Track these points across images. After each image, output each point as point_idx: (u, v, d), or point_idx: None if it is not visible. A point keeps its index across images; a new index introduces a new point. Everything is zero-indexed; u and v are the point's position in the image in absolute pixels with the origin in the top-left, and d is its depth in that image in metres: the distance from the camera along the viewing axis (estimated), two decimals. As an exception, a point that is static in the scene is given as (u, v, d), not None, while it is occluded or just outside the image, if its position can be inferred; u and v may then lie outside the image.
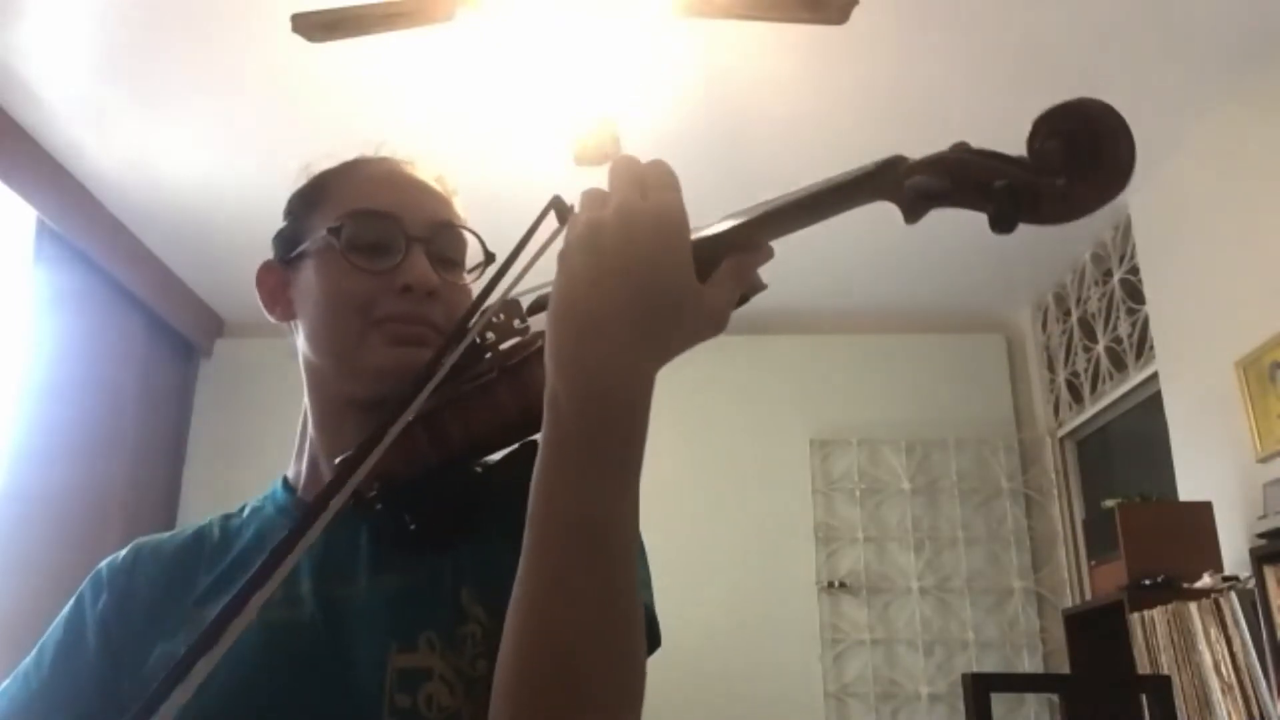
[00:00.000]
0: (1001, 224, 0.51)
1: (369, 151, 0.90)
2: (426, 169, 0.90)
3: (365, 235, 0.82)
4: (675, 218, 0.57)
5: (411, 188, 0.86)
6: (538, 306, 0.71)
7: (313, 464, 0.86)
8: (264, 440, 3.70)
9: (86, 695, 0.79)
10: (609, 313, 0.55)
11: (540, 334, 0.70)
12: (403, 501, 0.73)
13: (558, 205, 0.70)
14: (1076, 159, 0.51)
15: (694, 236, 0.58)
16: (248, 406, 4.43)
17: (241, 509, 0.90)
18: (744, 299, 0.62)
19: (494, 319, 0.71)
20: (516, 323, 0.72)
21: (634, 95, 3.05)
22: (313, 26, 2.42)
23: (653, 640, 0.73)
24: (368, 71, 3.01)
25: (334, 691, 0.73)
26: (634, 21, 2.48)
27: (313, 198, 0.87)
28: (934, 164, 0.54)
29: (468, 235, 0.87)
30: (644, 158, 0.62)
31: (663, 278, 0.56)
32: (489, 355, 0.73)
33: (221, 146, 3.45)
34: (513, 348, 0.72)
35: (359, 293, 0.81)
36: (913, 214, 0.53)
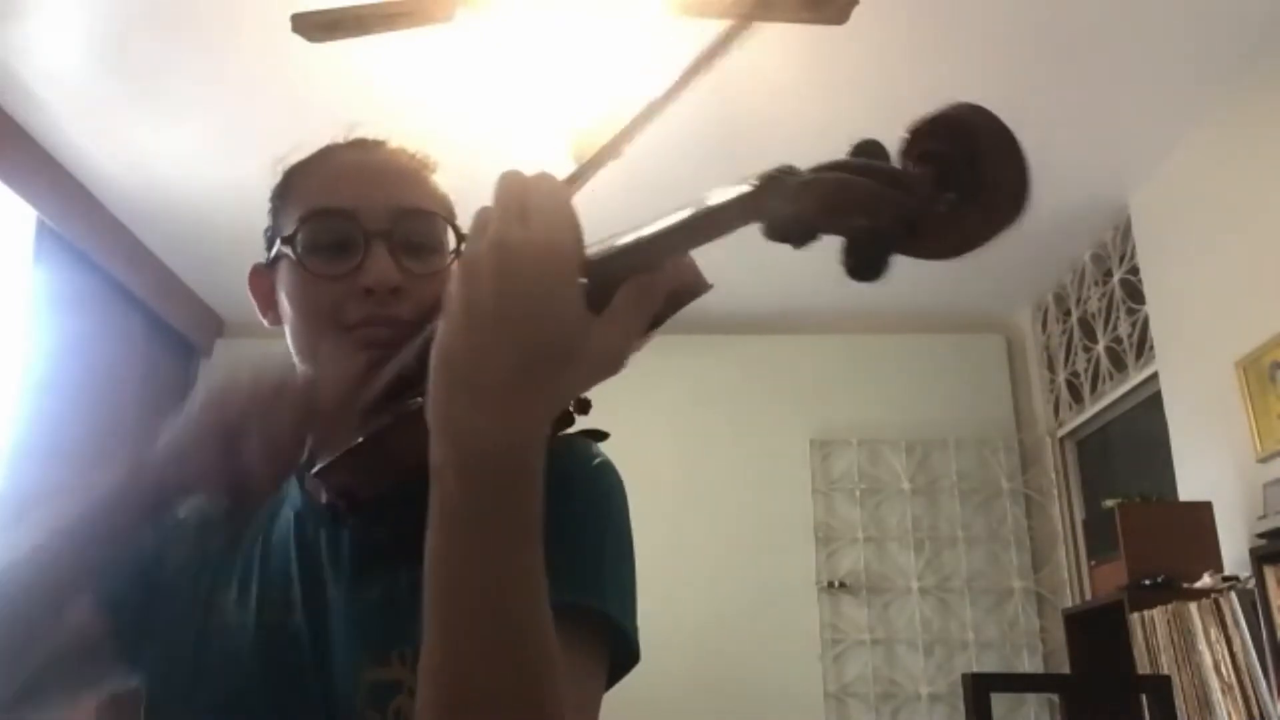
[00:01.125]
0: (857, 273, 0.43)
1: (340, 136, 0.86)
2: (398, 148, 0.86)
3: (322, 237, 0.79)
4: (558, 248, 0.50)
5: (370, 177, 0.82)
6: None
7: (312, 460, 0.86)
8: (264, 440, 3.71)
9: (139, 566, 0.83)
10: (485, 364, 0.49)
11: None
12: (374, 513, 0.73)
13: None
14: (954, 186, 0.42)
15: (586, 253, 0.52)
16: (248, 406, 4.43)
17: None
18: (680, 304, 0.55)
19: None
20: None
21: (634, 95, 3.05)
22: (313, 26, 2.42)
23: (631, 657, 0.72)
24: (367, 72, 3.01)
25: (313, 701, 0.73)
26: (634, 21, 2.48)
27: (283, 196, 0.85)
28: (809, 189, 0.45)
29: (445, 214, 0.83)
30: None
31: (544, 320, 0.49)
32: None
33: (222, 146, 3.45)
34: None
35: (324, 301, 0.78)
36: (793, 245, 0.45)
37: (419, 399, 0.66)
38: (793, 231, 0.44)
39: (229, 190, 3.64)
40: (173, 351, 4.49)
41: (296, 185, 0.84)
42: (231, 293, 4.45)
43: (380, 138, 0.86)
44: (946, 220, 0.43)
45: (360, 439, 0.69)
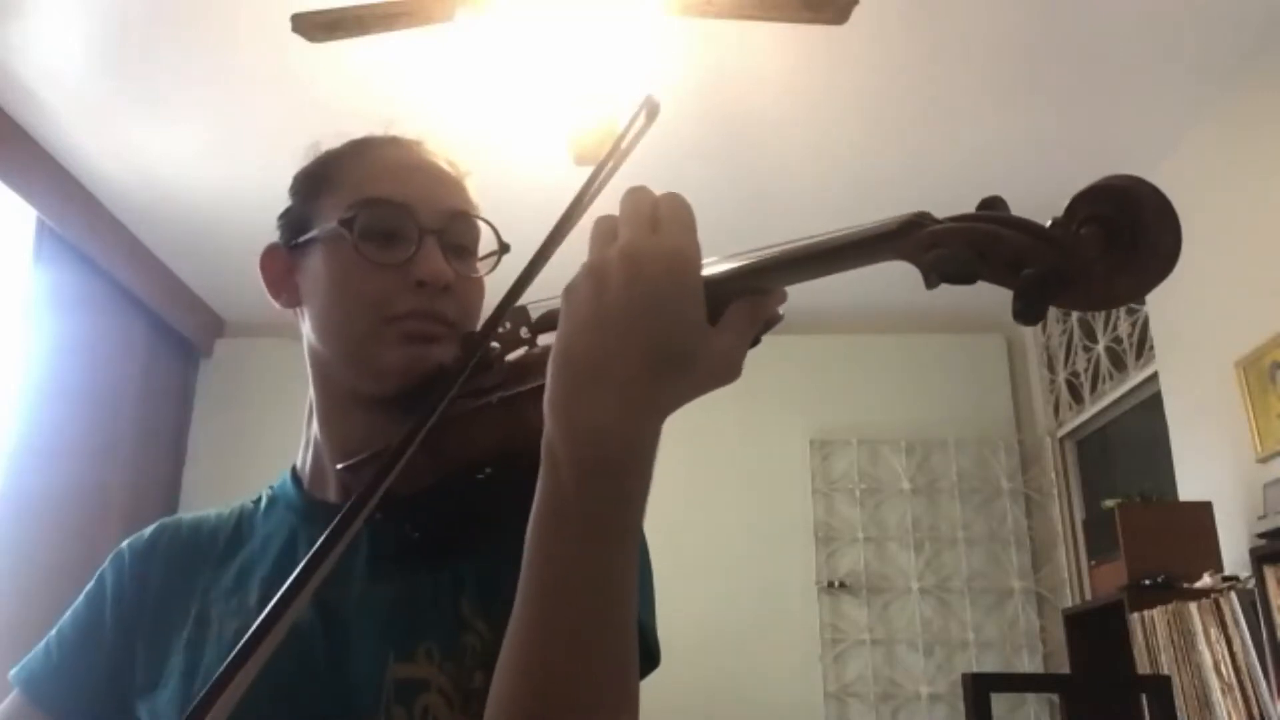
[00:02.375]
0: (1026, 317, 0.46)
1: (378, 131, 0.87)
2: (437, 151, 0.86)
3: (377, 226, 0.79)
4: (688, 259, 0.53)
5: (424, 174, 0.82)
6: (545, 323, 0.69)
7: (317, 457, 0.85)
8: (264, 440, 3.71)
9: (98, 675, 0.81)
10: (612, 364, 0.52)
11: (543, 358, 0.70)
12: (404, 511, 0.72)
13: (650, 105, 0.68)
14: (1114, 248, 0.46)
15: (704, 272, 0.54)
16: (248, 406, 4.44)
17: (259, 500, 0.89)
18: (767, 329, 0.58)
19: (500, 328, 0.69)
20: (523, 331, 0.70)
21: (634, 95, 3.05)
22: (313, 26, 2.42)
23: (652, 659, 0.72)
24: (367, 71, 3.01)
25: (332, 700, 0.72)
26: (634, 21, 2.48)
27: (320, 180, 0.84)
28: (961, 235, 0.48)
29: (481, 223, 0.84)
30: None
31: (672, 325, 0.52)
32: (493, 367, 0.70)
33: (222, 146, 3.45)
34: (515, 370, 0.70)
35: (372, 289, 0.78)
36: (931, 284, 0.49)
37: (458, 401, 0.67)
38: (956, 274, 0.47)
39: (229, 190, 3.64)
40: (173, 352, 4.49)
41: (340, 172, 0.83)
42: (231, 293, 4.45)
43: (417, 138, 0.86)
44: (1099, 277, 0.47)
45: (394, 442, 0.70)
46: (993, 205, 0.50)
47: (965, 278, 0.47)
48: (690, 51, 2.95)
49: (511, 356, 0.72)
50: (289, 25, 2.41)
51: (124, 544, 0.87)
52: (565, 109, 2.79)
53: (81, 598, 0.85)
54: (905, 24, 2.87)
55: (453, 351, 0.76)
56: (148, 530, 0.88)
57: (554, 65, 2.70)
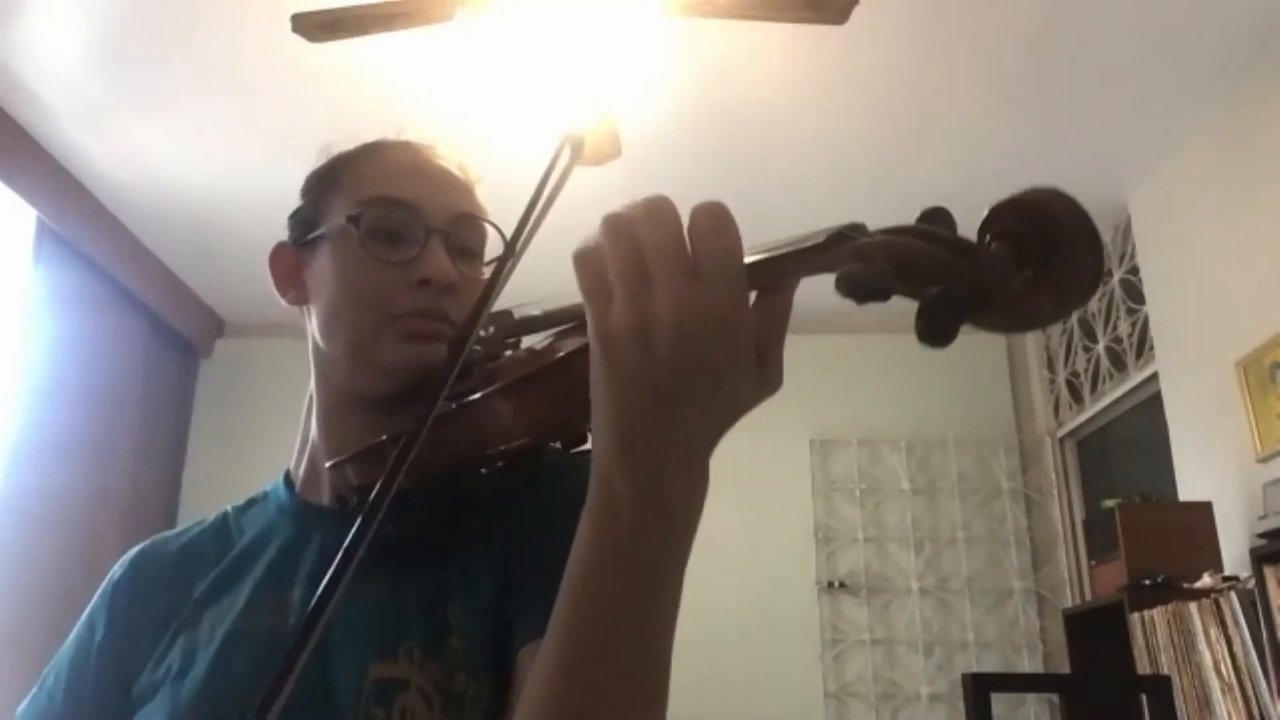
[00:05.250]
0: (931, 338, 0.44)
1: (390, 135, 0.88)
2: (448, 155, 0.88)
3: (384, 224, 0.80)
4: (738, 320, 0.48)
5: (433, 177, 0.84)
6: (523, 326, 0.70)
7: (313, 459, 0.85)
8: (264, 441, 3.70)
9: (93, 707, 0.81)
10: (672, 434, 0.50)
11: (517, 361, 0.69)
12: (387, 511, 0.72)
13: (574, 141, 0.65)
14: (1029, 265, 0.44)
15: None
16: (248, 406, 4.44)
17: (250, 502, 0.90)
18: None
19: (481, 332, 0.69)
20: (504, 336, 0.71)
21: (634, 95, 3.05)
22: (313, 26, 2.42)
23: None
24: (367, 72, 3.01)
25: (315, 700, 0.72)
26: (634, 21, 2.48)
27: (331, 180, 0.85)
28: (883, 251, 0.46)
29: (488, 226, 0.86)
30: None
31: (730, 395, 0.51)
32: (473, 372, 0.70)
33: (222, 146, 3.45)
34: (492, 376, 0.69)
35: (376, 286, 0.79)
36: (842, 295, 0.46)
37: (446, 403, 0.67)
38: (867, 291, 0.44)
39: (229, 190, 3.64)
40: (173, 352, 4.49)
41: (350, 172, 0.85)
42: (231, 293, 4.45)
43: (429, 142, 0.88)
44: (1018, 297, 0.45)
45: (383, 436, 0.70)
46: (934, 217, 0.48)
47: (876, 295, 0.44)
48: (690, 51, 2.95)
49: (490, 364, 0.71)
50: (289, 25, 2.41)
51: (112, 573, 0.88)
52: (565, 109, 2.79)
53: (71, 637, 0.86)
54: (906, 24, 2.87)
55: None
56: (130, 554, 0.88)
57: (554, 65, 2.69)
